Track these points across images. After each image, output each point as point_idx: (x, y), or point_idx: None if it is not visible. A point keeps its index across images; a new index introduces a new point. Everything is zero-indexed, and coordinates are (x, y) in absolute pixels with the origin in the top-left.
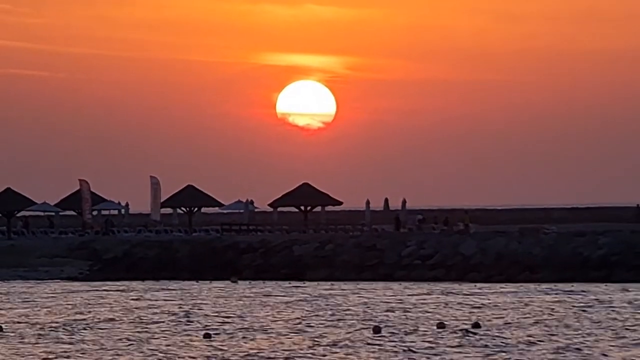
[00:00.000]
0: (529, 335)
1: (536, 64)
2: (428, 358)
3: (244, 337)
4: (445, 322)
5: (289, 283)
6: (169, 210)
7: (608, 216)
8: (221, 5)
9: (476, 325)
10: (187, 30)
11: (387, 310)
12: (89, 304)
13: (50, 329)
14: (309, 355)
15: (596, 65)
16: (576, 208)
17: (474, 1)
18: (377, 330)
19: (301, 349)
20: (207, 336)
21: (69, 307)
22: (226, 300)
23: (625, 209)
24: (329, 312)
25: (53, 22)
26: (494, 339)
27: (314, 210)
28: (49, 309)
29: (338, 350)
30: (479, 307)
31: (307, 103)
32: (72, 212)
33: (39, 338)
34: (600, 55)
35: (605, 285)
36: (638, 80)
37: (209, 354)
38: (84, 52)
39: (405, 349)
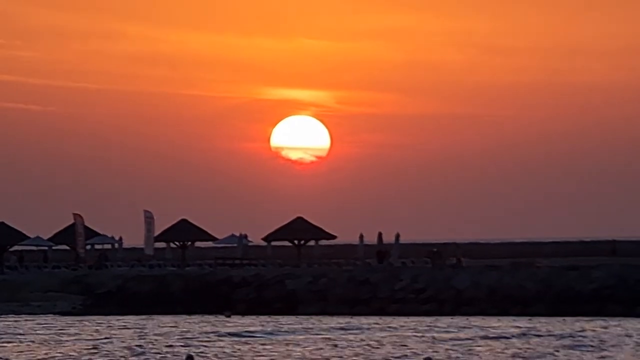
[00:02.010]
0: None
1: (526, 98)
2: None
3: None
4: None
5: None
6: (162, 245)
7: (598, 250)
8: (213, 40)
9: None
10: (180, 65)
11: None
12: None
13: None
14: None
15: (586, 100)
16: (567, 242)
17: (464, 36)
18: None
19: None
20: None
21: None
22: None
23: (616, 242)
24: None
25: (45, 56)
26: None
27: (308, 244)
28: None
29: None
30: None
31: (301, 137)
32: (65, 247)
33: None
34: (591, 89)
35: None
36: (627, 114)
37: None
38: (77, 86)
39: None
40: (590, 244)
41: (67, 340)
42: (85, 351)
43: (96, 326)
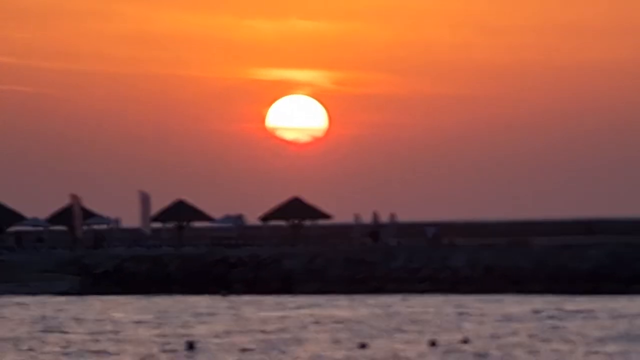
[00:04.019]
0: None
1: (522, 77)
2: None
3: None
4: None
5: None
6: (159, 225)
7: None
8: (206, 21)
9: None
10: (174, 46)
11: None
12: None
13: None
14: None
15: (580, 79)
16: (563, 221)
17: (459, 15)
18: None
19: None
20: None
21: None
22: None
23: (616, 221)
24: None
25: (39, 37)
26: None
27: (304, 224)
28: None
29: None
30: None
31: (297, 117)
32: (62, 227)
33: None
34: (585, 68)
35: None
36: (623, 92)
37: None
38: (71, 68)
39: None
40: (580, 223)
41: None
42: None
43: None
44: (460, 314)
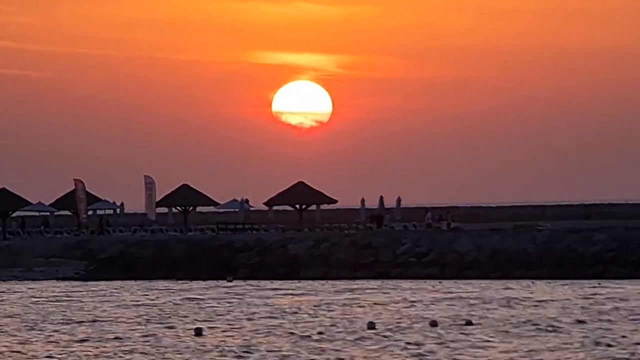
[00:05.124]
0: None
1: (527, 61)
2: None
3: None
4: None
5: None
6: (164, 210)
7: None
8: (210, 4)
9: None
10: (178, 30)
11: None
12: None
13: None
14: None
15: (588, 63)
16: (570, 205)
17: None
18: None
19: None
20: None
21: None
22: None
23: (617, 205)
24: None
25: (41, 22)
26: None
27: (309, 208)
28: None
29: None
30: None
31: (302, 102)
32: (67, 212)
33: None
34: (592, 53)
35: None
36: (629, 77)
37: None
38: (75, 52)
39: None
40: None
41: None
42: None
43: None
44: (467, 298)
